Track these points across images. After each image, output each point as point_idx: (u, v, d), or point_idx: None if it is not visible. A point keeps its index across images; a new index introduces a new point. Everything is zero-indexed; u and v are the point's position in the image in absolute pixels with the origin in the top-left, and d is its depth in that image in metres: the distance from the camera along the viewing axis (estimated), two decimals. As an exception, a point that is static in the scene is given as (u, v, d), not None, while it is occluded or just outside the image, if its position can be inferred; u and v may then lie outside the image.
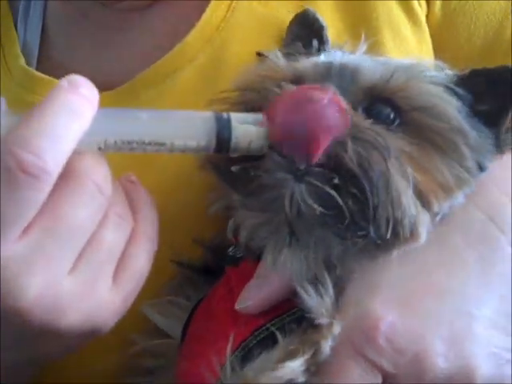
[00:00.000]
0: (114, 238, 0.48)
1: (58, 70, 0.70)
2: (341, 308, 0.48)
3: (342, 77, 0.50)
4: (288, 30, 0.62)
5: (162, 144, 0.47)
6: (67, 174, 0.44)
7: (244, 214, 0.51)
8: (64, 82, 0.45)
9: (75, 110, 0.44)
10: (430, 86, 0.51)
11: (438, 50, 0.67)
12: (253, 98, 0.51)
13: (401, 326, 0.46)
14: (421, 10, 0.66)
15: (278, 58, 0.55)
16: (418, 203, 0.48)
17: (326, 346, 0.46)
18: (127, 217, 0.49)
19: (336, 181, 0.46)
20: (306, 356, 0.45)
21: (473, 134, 0.50)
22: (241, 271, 0.53)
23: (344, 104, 0.47)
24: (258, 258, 0.52)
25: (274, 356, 0.46)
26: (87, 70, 0.68)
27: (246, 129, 0.47)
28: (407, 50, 0.66)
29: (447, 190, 0.49)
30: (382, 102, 0.50)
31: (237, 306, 0.51)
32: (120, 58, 0.69)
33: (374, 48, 0.61)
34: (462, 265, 0.48)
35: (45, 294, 0.44)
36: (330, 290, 0.48)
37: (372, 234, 0.47)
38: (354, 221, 0.46)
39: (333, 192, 0.45)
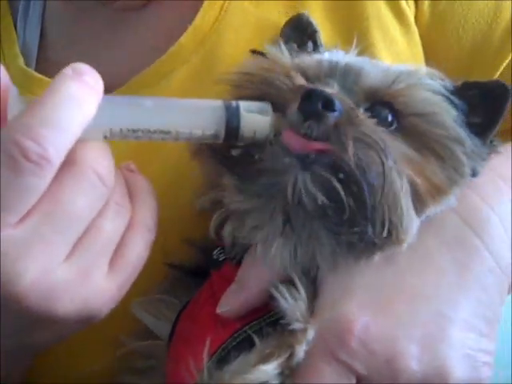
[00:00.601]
0: (112, 226, 0.48)
1: (56, 71, 0.70)
2: (316, 311, 0.48)
3: (345, 76, 0.51)
4: (281, 33, 0.62)
5: (167, 132, 0.47)
6: (70, 163, 0.45)
7: (235, 199, 0.51)
8: (68, 69, 0.45)
9: (79, 98, 0.44)
10: (430, 94, 0.52)
11: (428, 51, 0.68)
12: (262, 88, 0.51)
13: (374, 329, 0.46)
14: (409, 11, 0.67)
15: (282, 52, 0.55)
16: (417, 205, 0.48)
17: (301, 350, 0.47)
18: (126, 205, 0.49)
19: (341, 175, 0.46)
20: (281, 359, 0.46)
21: (469, 142, 0.51)
22: (222, 275, 0.54)
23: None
24: (238, 262, 0.53)
25: (250, 359, 0.47)
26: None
27: (253, 118, 0.48)
28: (397, 51, 0.66)
29: (442, 193, 0.50)
30: (382, 105, 0.51)
31: (218, 310, 0.52)
32: (118, 58, 0.70)
33: (365, 49, 0.62)
34: (437, 269, 0.49)
35: (41, 279, 0.44)
36: (303, 293, 0.48)
37: (370, 232, 0.47)
38: (352, 217, 0.47)
39: (338, 184, 0.46)
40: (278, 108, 0.48)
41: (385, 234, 0.47)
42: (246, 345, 0.49)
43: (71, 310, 0.47)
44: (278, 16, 0.65)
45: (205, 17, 0.67)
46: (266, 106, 0.48)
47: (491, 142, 0.54)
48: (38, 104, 0.44)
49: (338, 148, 0.46)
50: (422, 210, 0.49)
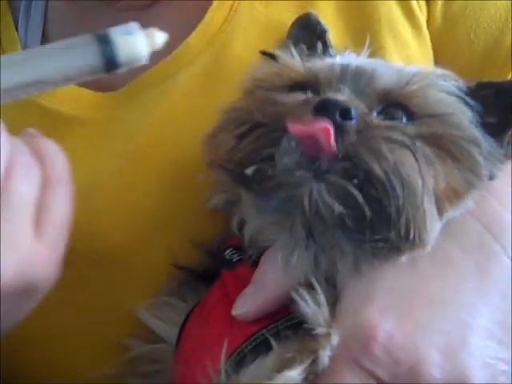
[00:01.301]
0: (23, 186, 0.46)
1: None
2: (337, 315, 0.48)
3: (357, 80, 0.50)
4: (289, 33, 0.61)
5: (43, 82, 0.45)
6: None
7: (252, 213, 0.51)
8: None
9: None
10: (445, 95, 0.51)
11: (438, 56, 0.68)
12: (262, 99, 0.51)
13: (398, 336, 0.46)
14: (421, 14, 0.66)
15: (293, 56, 0.54)
16: (438, 207, 0.47)
17: (325, 355, 0.46)
18: (33, 165, 0.48)
19: (356, 181, 0.45)
20: (304, 365, 0.45)
21: (485, 143, 0.50)
22: (237, 275, 0.53)
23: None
24: (254, 263, 0.52)
25: (268, 363, 0.46)
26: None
27: (126, 40, 0.45)
28: (408, 54, 0.65)
29: (460, 196, 0.49)
30: (396, 107, 0.50)
31: (234, 312, 0.51)
32: None
33: (376, 52, 0.61)
34: (458, 274, 0.48)
35: None
36: (323, 298, 0.48)
37: (393, 237, 0.46)
38: (374, 223, 0.46)
39: (354, 190, 0.45)
40: (280, 125, 0.47)
41: (411, 236, 0.46)
42: (263, 348, 0.48)
43: (8, 280, 0.45)
44: (289, 16, 0.64)
45: (214, 17, 0.66)
46: (133, 25, 0.46)
47: (508, 143, 0.54)
48: None
49: (360, 155, 0.45)
50: (441, 213, 0.48)
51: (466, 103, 0.51)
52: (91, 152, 0.64)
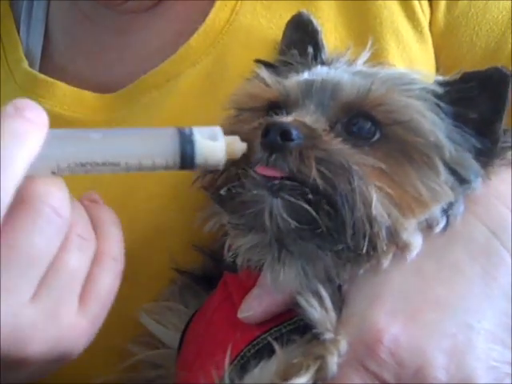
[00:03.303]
0: (76, 260, 0.46)
1: (61, 72, 0.70)
2: (344, 320, 0.47)
3: (322, 94, 0.51)
4: (283, 35, 0.61)
5: (117, 164, 0.46)
6: (20, 201, 0.43)
7: (235, 236, 0.52)
8: (9, 107, 0.43)
9: (21, 134, 0.42)
10: (408, 100, 0.51)
11: (440, 59, 0.67)
12: (244, 120, 0.52)
13: (403, 339, 0.45)
14: (424, 17, 0.66)
15: (266, 76, 0.55)
16: (397, 213, 0.48)
17: (333, 362, 0.45)
18: (90, 237, 0.48)
19: (310, 196, 0.46)
20: (311, 371, 0.45)
21: (450, 148, 0.49)
22: (241, 278, 0.53)
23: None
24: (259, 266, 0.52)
25: (272, 367, 0.46)
26: (89, 73, 0.69)
27: (206, 144, 0.46)
28: (410, 55, 0.65)
29: (422, 204, 0.49)
30: (361, 117, 0.50)
31: (239, 315, 0.51)
32: (123, 60, 0.69)
33: (378, 54, 0.61)
34: (463, 278, 0.48)
35: (7, 326, 0.43)
36: (329, 302, 0.48)
37: (350, 246, 0.47)
38: (330, 234, 0.47)
39: (307, 206, 0.46)
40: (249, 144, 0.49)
41: (366, 245, 0.47)
42: (266, 352, 0.48)
43: (42, 351, 0.45)
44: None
45: (215, 19, 0.66)
46: (217, 130, 0.47)
47: (505, 132, 0.52)
48: None
49: (304, 172, 0.47)
50: (406, 219, 0.48)
51: (437, 105, 0.51)
52: None
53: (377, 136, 0.50)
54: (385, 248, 0.48)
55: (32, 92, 0.68)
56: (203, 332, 0.53)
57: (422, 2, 0.66)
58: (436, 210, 0.49)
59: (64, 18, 0.72)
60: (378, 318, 0.46)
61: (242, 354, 0.48)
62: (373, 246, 0.47)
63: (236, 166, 0.49)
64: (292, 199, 0.46)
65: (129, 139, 0.47)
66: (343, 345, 0.46)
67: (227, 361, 0.48)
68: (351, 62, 0.58)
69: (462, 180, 0.50)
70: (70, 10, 0.72)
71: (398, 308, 0.47)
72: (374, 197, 0.47)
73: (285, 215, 0.46)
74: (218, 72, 0.65)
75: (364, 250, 0.47)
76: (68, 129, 0.47)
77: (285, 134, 0.47)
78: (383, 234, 0.47)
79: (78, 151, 0.45)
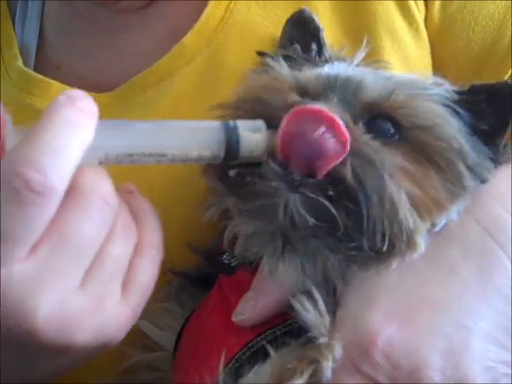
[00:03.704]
0: (120, 250, 0.47)
1: (55, 71, 0.69)
2: (338, 322, 0.47)
3: (344, 90, 0.50)
4: (283, 31, 0.61)
5: (163, 155, 0.47)
6: (73, 189, 0.44)
7: (239, 222, 0.51)
8: (62, 96, 0.44)
9: (76, 124, 0.43)
10: (432, 105, 0.51)
11: (436, 55, 0.67)
12: (256, 108, 0.51)
13: (398, 341, 0.45)
14: (419, 14, 0.66)
15: (281, 67, 0.54)
16: (415, 215, 0.47)
17: (328, 367, 0.45)
18: (132, 227, 0.48)
19: (330, 192, 0.45)
20: (306, 375, 0.45)
21: (472, 153, 0.50)
22: (235, 280, 0.53)
23: (345, 132, 0.46)
24: (254, 268, 0.52)
25: (266, 370, 0.46)
26: (84, 71, 0.69)
27: (250, 137, 0.47)
28: (405, 54, 0.65)
29: (440, 206, 0.49)
30: (383, 118, 0.50)
31: (234, 318, 0.50)
32: (117, 59, 0.69)
33: (373, 52, 0.61)
34: (459, 278, 0.48)
35: (56, 312, 0.43)
36: (322, 305, 0.47)
37: (366, 247, 0.47)
38: (348, 233, 0.46)
39: (327, 203, 0.45)
40: (271, 126, 0.48)
41: (386, 245, 0.46)
42: (260, 355, 0.48)
43: (88, 339, 0.46)
44: (285, 17, 0.63)
45: (210, 17, 0.66)
46: (260, 123, 0.48)
47: (505, 146, 0.53)
48: (35, 132, 0.43)
49: (337, 166, 0.46)
50: (422, 222, 0.48)
51: (456, 112, 0.51)
52: None
53: (396, 138, 0.49)
54: (402, 249, 0.47)
55: (26, 91, 0.68)
56: (198, 335, 0.53)
57: (418, 1, 0.66)
58: (452, 212, 0.49)
59: (58, 17, 0.72)
60: (373, 320, 0.46)
61: (236, 357, 0.48)
62: (391, 247, 0.47)
63: None
64: (312, 195, 0.45)
65: (176, 131, 0.48)
66: (338, 350, 0.46)
67: (221, 364, 0.47)
68: (349, 61, 0.57)
69: (480, 181, 0.50)
70: (65, 9, 0.71)
71: (392, 309, 0.47)
72: (401, 197, 0.46)
73: (302, 211, 0.45)
74: (213, 70, 0.65)
75: (381, 251, 0.47)
76: (115, 119, 0.48)
77: None
78: (404, 235, 0.47)
79: (127, 142, 0.46)
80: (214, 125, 0.48)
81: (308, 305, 0.47)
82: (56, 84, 0.67)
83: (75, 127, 0.43)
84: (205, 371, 0.48)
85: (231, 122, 0.48)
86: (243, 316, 0.50)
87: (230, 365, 0.48)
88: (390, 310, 0.47)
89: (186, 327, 0.55)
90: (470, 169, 0.50)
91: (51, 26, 0.72)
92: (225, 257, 0.54)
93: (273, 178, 0.46)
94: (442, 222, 0.49)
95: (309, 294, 0.48)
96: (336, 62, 0.56)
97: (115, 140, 0.46)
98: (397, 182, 0.47)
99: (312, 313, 0.47)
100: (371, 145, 0.48)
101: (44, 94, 0.67)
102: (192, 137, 0.47)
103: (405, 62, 0.65)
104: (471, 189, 0.50)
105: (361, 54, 0.58)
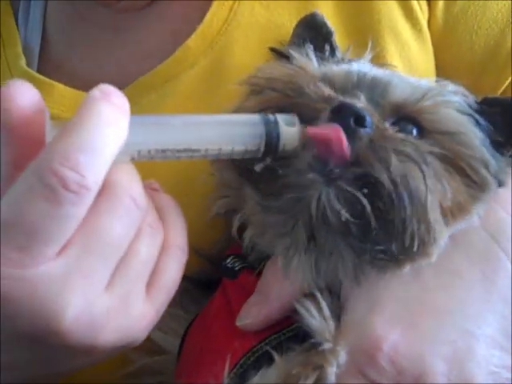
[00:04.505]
0: (147, 250, 0.47)
1: (58, 72, 0.69)
2: (343, 327, 0.47)
3: (373, 89, 0.50)
4: (294, 33, 0.61)
5: (196, 150, 0.46)
6: (105, 189, 0.43)
7: (256, 213, 0.50)
8: (96, 91, 0.43)
9: (111, 120, 0.42)
10: (456, 113, 0.51)
11: (439, 56, 0.67)
12: (283, 91, 0.50)
13: (403, 347, 0.45)
14: (422, 15, 0.66)
15: (309, 58, 0.54)
16: (442, 221, 0.47)
17: (332, 373, 0.45)
18: (159, 228, 0.48)
19: (366, 190, 0.45)
20: (310, 381, 0.45)
21: (493, 162, 0.50)
22: (239, 284, 0.53)
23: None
24: (258, 272, 0.52)
25: (271, 376, 0.46)
26: (87, 72, 0.69)
27: (286, 130, 0.46)
28: (408, 55, 0.65)
29: (465, 211, 0.49)
30: (408, 121, 0.50)
31: (238, 323, 0.50)
32: (120, 60, 0.68)
33: (376, 53, 0.61)
34: (463, 284, 0.48)
35: (84, 312, 0.43)
36: (327, 310, 0.47)
37: (393, 248, 0.46)
38: (377, 233, 0.46)
39: (364, 199, 0.45)
40: (305, 119, 0.47)
41: (414, 248, 0.46)
42: (265, 360, 0.48)
43: (113, 339, 0.45)
44: (289, 18, 0.64)
45: (213, 19, 0.65)
46: (293, 117, 0.47)
47: (510, 156, 0.54)
48: (71, 129, 0.42)
49: (376, 162, 0.45)
50: (446, 226, 0.48)
51: (477, 122, 0.51)
52: None
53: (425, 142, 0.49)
54: (426, 252, 0.47)
55: None
56: (202, 340, 0.53)
57: (421, 2, 0.66)
58: (473, 218, 0.49)
59: (61, 18, 0.72)
60: (377, 326, 0.46)
61: (241, 362, 0.48)
62: (418, 250, 0.47)
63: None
64: (350, 189, 0.44)
65: (212, 125, 0.47)
66: (342, 355, 0.46)
67: (226, 370, 0.47)
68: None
69: (500, 183, 0.51)
70: (67, 10, 0.71)
71: (397, 315, 0.47)
72: (432, 199, 0.46)
73: (337, 205, 0.44)
74: (217, 73, 0.64)
75: (405, 254, 0.46)
76: (147, 115, 0.46)
77: (359, 119, 0.45)
78: (431, 239, 0.47)
79: (160, 137, 0.45)
80: (253, 118, 0.46)
81: (313, 310, 0.47)
82: (59, 86, 0.67)
83: (111, 124, 0.42)
84: (209, 376, 0.48)
85: (271, 116, 0.46)
86: (247, 321, 0.50)
87: (235, 370, 0.48)
88: (394, 315, 0.47)
89: (189, 331, 0.55)
90: (493, 176, 0.50)
91: (54, 26, 0.72)
92: (229, 261, 0.54)
93: (309, 170, 0.45)
94: (462, 226, 0.49)
95: (313, 299, 0.48)
96: (362, 61, 0.56)
97: (148, 136, 0.45)
98: (431, 186, 0.46)
99: (317, 318, 0.47)
100: (414, 144, 0.47)
101: (47, 95, 0.66)
102: (228, 131, 0.46)
103: (408, 63, 0.65)
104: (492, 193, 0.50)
105: (368, 56, 0.58)
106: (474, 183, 0.49)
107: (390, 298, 0.48)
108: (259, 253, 0.52)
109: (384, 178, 0.45)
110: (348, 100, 0.47)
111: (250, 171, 0.48)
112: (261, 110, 0.49)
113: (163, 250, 0.48)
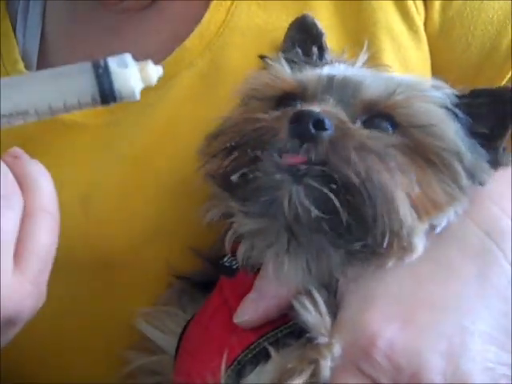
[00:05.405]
0: (3, 221, 0.45)
1: None
2: (338, 323, 0.47)
3: (343, 90, 0.51)
4: (286, 35, 0.61)
5: (25, 113, 0.42)
6: None
7: (242, 222, 0.51)
8: None
9: None
10: (431, 106, 0.51)
11: (436, 57, 0.67)
12: (256, 108, 0.52)
13: (399, 343, 0.45)
14: (418, 17, 0.66)
15: (283, 67, 0.54)
16: (415, 215, 0.48)
17: (326, 366, 0.45)
18: (14, 195, 0.46)
19: (334, 186, 0.45)
20: (306, 375, 0.45)
21: (468, 155, 0.50)
22: (236, 282, 0.53)
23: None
24: (255, 270, 0.52)
25: (268, 372, 0.46)
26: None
27: (126, 72, 0.43)
28: (405, 56, 0.65)
29: (438, 207, 0.49)
30: (381, 118, 0.50)
31: (235, 320, 0.50)
32: None
33: (373, 54, 0.61)
34: (458, 279, 0.48)
35: None
36: (323, 305, 0.48)
37: (370, 242, 0.47)
38: (351, 229, 0.46)
39: (331, 195, 0.45)
40: (267, 139, 0.48)
41: (385, 244, 0.47)
42: (262, 356, 0.48)
43: None
44: (286, 19, 0.64)
45: (211, 19, 0.66)
46: (126, 57, 0.44)
47: (504, 149, 0.53)
48: None
49: (338, 163, 0.46)
50: (420, 222, 0.48)
51: (455, 115, 0.51)
52: (91, 157, 0.64)
53: (394, 136, 0.49)
54: (400, 248, 0.47)
55: None
56: (200, 337, 0.53)
57: (417, 3, 0.66)
58: (450, 214, 0.49)
59: (60, 19, 0.72)
60: (373, 321, 0.46)
61: (238, 358, 0.48)
62: (389, 246, 0.47)
63: (247, 150, 0.48)
64: (317, 185, 0.45)
65: (33, 83, 0.43)
66: (337, 349, 0.46)
67: (223, 366, 0.48)
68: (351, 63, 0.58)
69: (478, 183, 0.50)
70: (66, 11, 0.71)
71: (392, 311, 0.47)
72: (401, 195, 0.47)
73: (307, 203, 0.45)
74: (214, 73, 0.65)
75: (383, 247, 0.47)
76: None
77: (318, 123, 0.46)
78: (403, 234, 0.47)
79: None
80: (81, 67, 0.43)
81: (309, 305, 0.48)
82: None
83: None
84: (207, 372, 0.48)
85: (101, 61, 0.43)
86: (245, 318, 0.50)
87: (232, 366, 0.48)
88: (389, 311, 0.47)
89: (187, 330, 0.55)
90: (466, 170, 0.50)
91: (52, 28, 0.72)
92: (226, 259, 0.55)
93: (276, 171, 0.46)
94: (439, 223, 0.49)
95: (310, 295, 0.48)
96: (336, 64, 0.56)
97: None
98: (401, 179, 0.47)
99: (313, 314, 0.47)
100: (378, 140, 0.48)
101: None
102: (53, 85, 0.43)
103: (404, 64, 0.65)
104: (469, 191, 0.50)
105: (363, 56, 0.59)
106: (447, 179, 0.49)
107: (384, 294, 0.48)
108: (253, 263, 0.52)
109: (349, 175, 0.45)
110: (305, 107, 0.48)
111: (229, 182, 0.49)
112: (244, 121, 0.50)
113: (28, 216, 0.46)
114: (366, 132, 0.48)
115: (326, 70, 0.54)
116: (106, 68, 0.43)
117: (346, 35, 0.65)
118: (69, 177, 0.61)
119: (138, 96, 0.44)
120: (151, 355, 0.58)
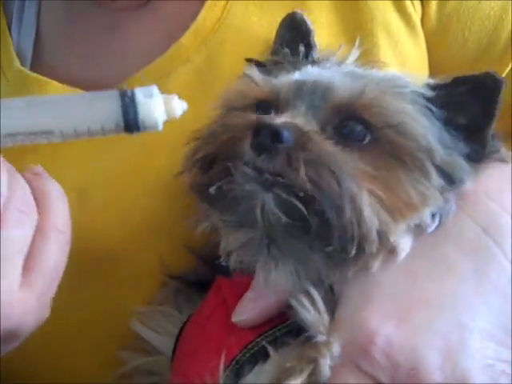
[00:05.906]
0: (17, 233, 0.46)
1: (51, 72, 0.69)
2: (336, 321, 0.47)
3: (313, 95, 0.50)
4: (276, 34, 0.61)
5: (50, 132, 0.43)
6: None
7: (227, 234, 0.51)
8: None
9: None
10: (401, 102, 0.50)
11: (433, 53, 0.67)
12: (235, 117, 0.52)
13: (396, 340, 0.45)
14: (415, 13, 0.66)
15: (255, 75, 0.54)
16: (386, 215, 0.47)
17: (325, 365, 0.45)
18: (30, 210, 0.47)
19: (301, 194, 0.46)
20: (305, 374, 0.45)
21: (440, 151, 0.49)
22: (234, 282, 0.53)
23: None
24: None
25: (267, 372, 0.46)
26: (81, 71, 0.69)
27: (151, 103, 0.44)
28: (402, 52, 0.65)
29: (412, 208, 0.48)
30: (353, 119, 0.49)
31: (233, 319, 0.50)
32: (114, 59, 0.68)
33: (370, 52, 0.61)
34: (455, 276, 0.48)
35: None
36: (321, 304, 0.47)
37: (339, 248, 0.46)
38: (320, 234, 0.46)
39: (297, 203, 0.45)
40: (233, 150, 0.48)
41: (354, 247, 0.46)
42: (260, 356, 0.48)
43: None
44: (282, 17, 0.64)
45: (206, 17, 0.65)
46: (151, 88, 0.45)
47: (492, 138, 0.52)
48: None
49: (291, 174, 0.46)
50: (395, 223, 0.48)
51: (429, 109, 0.50)
52: (89, 154, 0.64)
53: (368, 139, 0.49)
54: (374, 251, 0.47)
55: (24, 90, 0.67)
56: (197, 337, 0.53)
57: (414, 1, 0.66)
58: (425, 213, 0.49)
59: (55, 17, 0.72)
60: (371, 319, 0.46)
61: (237, 358, 0.48)
62: (361, 249, 0.47)
63: (223, 162, 0.49)
64: (283, 195, 0.46)
65: (59, 105, 0.44)
66: (336, 347, 0.46)
67: (222, 366, 0.47)
68: (342, 61, 0.57)
69: (452, 182, 0.49)
70: (61, 10, 0.71)
71: (390, 308, 0.46)
72: (364, 200, 0.46)
73: (276, 210, 0.46)
74: (210, 70, 0.64)
75: (352, 253, 0.46)
76: None
77: (275, 135, 0.46)
78: (373, 237, 0.46)
79: (7, 122, 0.43)
80: (108, 94, 0.44)
81: (307, 304, 0.47)
82: (53, 83, 0.67)
83: None
84: (205, 372, 0.48)
85: (128, 91, 0.44)
86: (243, 317, 0.50)
87: (231, 366, 0.48)
88: (386, 309, 0.46)
89: (183, 331, 0.55)
90: (437, 167, 0.49)
91: (47, 26, 0.72)
92: (222, 259, 0.54)
93: (246, 181, 0.47)
94: (422, 222, 0.49)
95: (308, 294, 0.48)
96: (310, 66, 0.55)
97: None
98: (358, 185, 0.46)
99: (311, 312, 0.47)
100: (331, 151, 0.47)
101: (41, 93, 0.67)
102: (80, 110, 0.44)
103: (401, 60, 0.65)
104: (443, 188, 0.49)
105: (354, 54, 0.58)
106: (418, 178, 0.48)
107: (382, 291, 0.47)
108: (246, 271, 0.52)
109: (302, 185, 0.45)
110: (263, 119, 0.48)
111: (208, 195, 0.49)
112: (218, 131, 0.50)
113: (41, 233, 0.47)
114: (326, 142, 0.48)
115: (297, 75, 0.53)
116: (133, 98, 0.44)
117: (344, 32, 0.65)
118: (66, 170, 0.61)
119: (160, 127, 0.45)
120: (147, 356, 0.58)
